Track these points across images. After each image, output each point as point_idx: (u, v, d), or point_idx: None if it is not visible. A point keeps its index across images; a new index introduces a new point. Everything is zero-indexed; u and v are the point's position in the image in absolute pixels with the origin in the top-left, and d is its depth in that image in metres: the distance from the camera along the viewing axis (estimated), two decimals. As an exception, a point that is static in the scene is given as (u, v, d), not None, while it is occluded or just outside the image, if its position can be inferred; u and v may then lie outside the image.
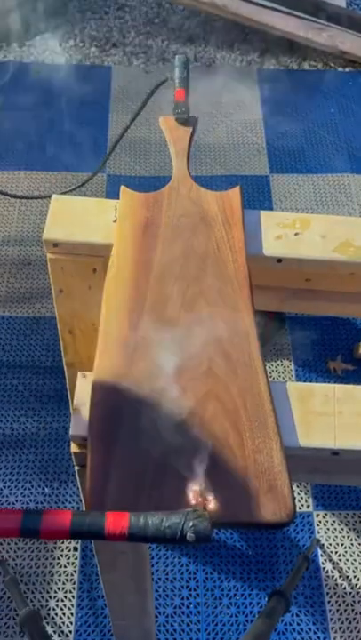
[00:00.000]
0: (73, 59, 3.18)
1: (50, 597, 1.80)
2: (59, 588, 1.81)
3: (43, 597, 1.79)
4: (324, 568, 1.85)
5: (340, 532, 1.90)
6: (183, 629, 1.76)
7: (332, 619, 1.78)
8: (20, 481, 1.97)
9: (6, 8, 3.11)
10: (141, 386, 1.12)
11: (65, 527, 0.85)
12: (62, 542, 1.87)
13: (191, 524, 0.86)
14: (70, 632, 1.76)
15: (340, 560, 1.86)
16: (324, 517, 1.93)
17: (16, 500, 1.94)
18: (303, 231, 1.42)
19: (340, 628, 1.76)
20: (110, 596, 1.38)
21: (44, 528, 0.85)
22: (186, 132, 1.53)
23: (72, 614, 1.78)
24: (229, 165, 2.76)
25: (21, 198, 2.61)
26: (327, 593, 1.81)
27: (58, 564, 1.84)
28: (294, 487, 1.92)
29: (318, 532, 1.90)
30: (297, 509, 1.93)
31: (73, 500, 1.94)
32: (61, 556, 1.85)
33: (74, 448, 1.11)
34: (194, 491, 0.95)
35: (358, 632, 1.76)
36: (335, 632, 1.76)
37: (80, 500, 1.90)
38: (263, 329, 2.20)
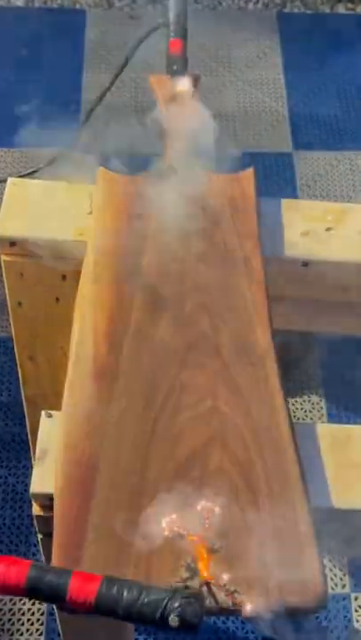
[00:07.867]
0: (35, 0, 3.20)
1: None
2: None
3: None
4: (365, 669, 1.85)
5: (386, 622, 1.90)
6: None
7: None
8: (-35, 554, 1.97)
9: None
10: (124, 428, 1.12)
11: (20, 580, 0.87)
12: (21, 634, 1.86)
13: (177, 604, 0.85)
14: None
15: (386, 658, 1.86)
16: (365, 602, 1.93)
17: None
18: (337, 226, 1.42)
19: None
20: None
21: None
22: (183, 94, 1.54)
23: None
24: (241, 139, 2.77)
25: (-33, 182, 2.61)
26: None
27: (14, 663, 1.84)
28: (326, 562, 1.92)
29: (357, 621, 1.90)
30: (329, 590, 1.92)
31: (34, 579, 1.94)
32: (19, 653, 1.85)
33: (36, 510, 1.11)
34: (194, 567, 0.95)
35: None
36: None
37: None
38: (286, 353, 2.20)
